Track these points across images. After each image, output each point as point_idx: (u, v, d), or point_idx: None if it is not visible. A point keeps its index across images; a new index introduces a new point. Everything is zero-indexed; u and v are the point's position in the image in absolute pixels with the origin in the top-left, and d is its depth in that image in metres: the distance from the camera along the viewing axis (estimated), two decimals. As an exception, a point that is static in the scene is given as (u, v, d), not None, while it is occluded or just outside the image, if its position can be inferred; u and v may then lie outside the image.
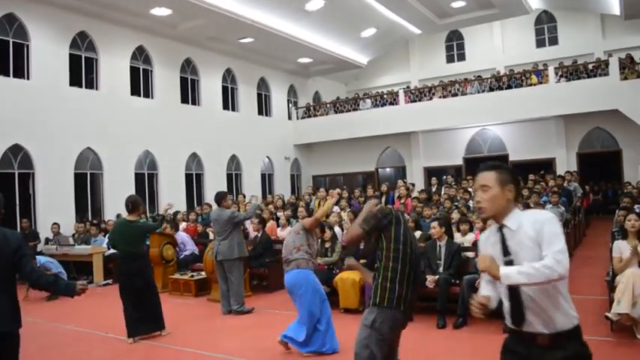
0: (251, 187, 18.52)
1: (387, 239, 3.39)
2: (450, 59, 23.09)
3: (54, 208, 12.74)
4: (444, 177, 14.93)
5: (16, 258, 3.44)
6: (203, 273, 9.02)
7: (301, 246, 5.37)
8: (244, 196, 14.04)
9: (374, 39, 20.27)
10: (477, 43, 22.25)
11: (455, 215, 8.56)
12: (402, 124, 19.20)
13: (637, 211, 6.80)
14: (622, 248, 5.72)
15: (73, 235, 12.20)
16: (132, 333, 6.23)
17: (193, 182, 17.24)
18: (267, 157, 20.52)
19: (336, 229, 8.82)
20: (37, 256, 9.68)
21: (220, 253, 7.44)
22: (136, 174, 15.19)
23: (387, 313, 3.33)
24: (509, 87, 17.67)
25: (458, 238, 7.60)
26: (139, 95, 15.57)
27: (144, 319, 6.32)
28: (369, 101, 20.91)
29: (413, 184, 14.74)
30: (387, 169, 21.93)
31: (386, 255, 3.38)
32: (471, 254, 7.02)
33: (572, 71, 16.72)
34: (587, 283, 8.15)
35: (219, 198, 7.82)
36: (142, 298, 6.31)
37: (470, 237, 7.51)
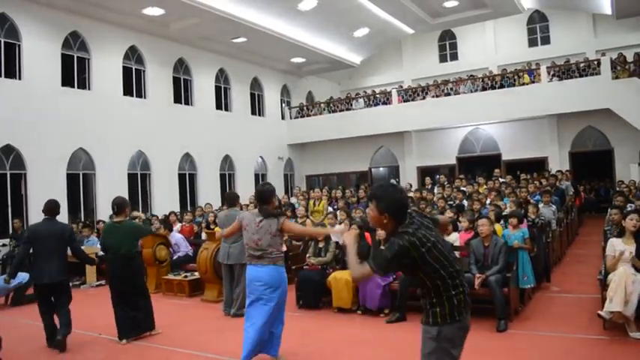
0: (244, 188, 18.47)
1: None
2: (442, 59, 23.14)
3: (46, 208, 12.64)
4: (437, 177, 14.97)
5: (69, 240, 6.27)
6: (196, 273, 9.00)
7: (278, 245, 5.04)
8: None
9: (367, 38, 20.27)
10: (470, 42, 22.30)
11: (449, 214, 8.56)
12: (395, 124, 19.23)
13: (630, 209, 6.83)
14: (616, 245, 5.74)
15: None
16: (123, 335, 6.21)
17: (186, 182, 17.19)
18: (261, 157, 20.49)
19: (338, 227, 8.80)
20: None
21: (232, 257, 7.34)
22: (129, 174, 15.12)
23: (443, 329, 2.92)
24: (501, 86, 17.75)
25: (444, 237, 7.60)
26: (132, 95, 15.50)
27: (135, 320, 6.30)
28: (362, 101, 20.93)
29: (410, 185, 14.75)
30: (381, 169, 21.95)
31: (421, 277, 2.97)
32: (456, 254, 7.05)
33: (565, 70, 16.81)
34: (580, 281, 8.20)
35: (234, 199, 7.75)
36: (134, 300, 6.29)
37: (454, 237, 7.53)
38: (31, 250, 6.27)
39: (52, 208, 6.36)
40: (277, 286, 4.94)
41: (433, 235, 2.93)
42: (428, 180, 14.67)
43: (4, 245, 11.72)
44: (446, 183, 13.86)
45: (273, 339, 5.11)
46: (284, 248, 5.22)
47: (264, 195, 5.19)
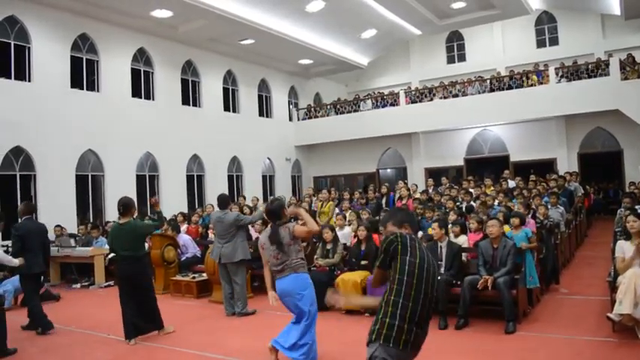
0: (252, 189, 18.52)
1: (394, 269, 3.03)
2: (450, 60, 23.10)
3: (55, 209, 12.75)
4: (442, 178, 14.92)
5: (46, 235, 7.36)
6: (204, 274, 9.03)
7: (296, 253, 5.11)
8: (244, 198, 14.06)
9: (374, 40, 20.27)
10: (478, 43, 22.24)
11: (451, 217, 8.51)
12: (402, 125, 19.21)
13: (638, 211, 6.78)
14: (625, 248, 5.71)
15: (75, 237, 12.16)
16: (130, 335, 6.25)
17: (194, 184, 17.25)
18: (268, 158, 20.52)
19: (338, 230, 8.82)
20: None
21: (224, 256, 7.43)
22: (137, 176, 15.19)
23: (386, 350, 2.93)
24: (509, 87, 17.68)
25: (451, 239, 7.59)
26: (140, 97, 15.58)
27: (142, 321, 6.34)
28: (369, 102, 20.92)
29: (416, 185, 14.72)
30: (388, 170, 21.93)
31: (390, 287, 3.04)
32: (464, 255, 7.05)
33: (573, 71, 16.73)
34: (589, 283, 8.16)
35: (225, 202, 7.83)
36: (141, 301, 6.33)
37: (462, 239, 7.50)
38: None
39: (31, 209, 7.51)
40: (301, 291, 5.00)
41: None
42: (430, 182, 14.63)
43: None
44: (447, 185, 13.75)
45: (298, 349, 5.00)
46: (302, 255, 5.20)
47: (275, 211, 5.27)
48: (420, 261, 3.01)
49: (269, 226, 5.29)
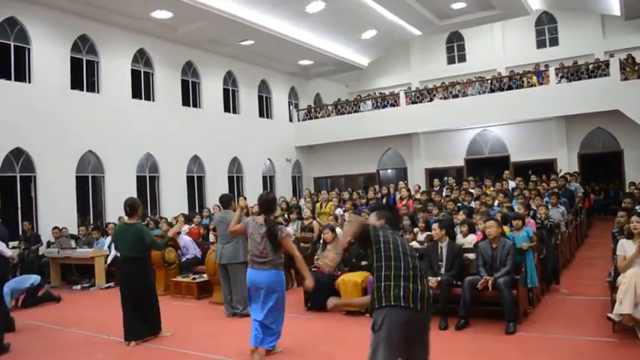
0: (252, 190, 18.51)
1: (373, 250, 3.51)
2: (450, 60, 23.10)
3: (56, 211, 12.75)
4: (446, 178, 14.94)
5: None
6: (205, 275, 9.03)
7: (280, 253, 5.54)
8: (245, 199, 14.06)
9: (374, 40, 20.29)
10: (478, 44, 22.25)
11: (460, 216, 8.52)
12: (403, 126, 19.21)
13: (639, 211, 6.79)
14: (627, 247, 5.71)
15: (77, 238, 12.16)
16: (130, 337, 6.25)
17: (195, 185, 17.25)
18: (269, 159, 20.52)
19: (338, 230, 8.81)
20: None
21: (224, 257, 7.42)
22: (138, 177, 15.18)
23: (385, 312, 3.38)
24: (509, 88, 17.67)
25: (459, 239, 7.61)
26: (141, 98, 15.58)
27: (141, 323, 6.34)
28: (369, 102, 20.92)
29: (419, 186, 14.72)
30: (389, 171, 21.92)
31: (375, 265, 3.49)
32: (472, 255, 7.03)
33: (573, 72, 16.72)
34: (589, 283, 8.17)
35: (227, 201, 7.84)
36: (142, 302, 6.33)
37: (471, 238, 7.51)
38: None
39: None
40: (277, 288, 5.43)
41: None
42: (436, 182, 14.68)
43: (14, 247, 11.79)
44: (454, 185, 13.80)
45: (271, 334, 5.50)
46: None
47: (269, 204, 5.64)
48: (394, 239, 3.48)
49: (260, 218, 5.52)
